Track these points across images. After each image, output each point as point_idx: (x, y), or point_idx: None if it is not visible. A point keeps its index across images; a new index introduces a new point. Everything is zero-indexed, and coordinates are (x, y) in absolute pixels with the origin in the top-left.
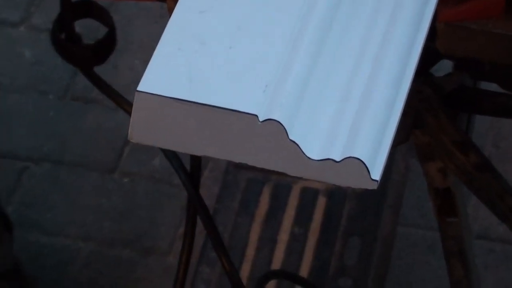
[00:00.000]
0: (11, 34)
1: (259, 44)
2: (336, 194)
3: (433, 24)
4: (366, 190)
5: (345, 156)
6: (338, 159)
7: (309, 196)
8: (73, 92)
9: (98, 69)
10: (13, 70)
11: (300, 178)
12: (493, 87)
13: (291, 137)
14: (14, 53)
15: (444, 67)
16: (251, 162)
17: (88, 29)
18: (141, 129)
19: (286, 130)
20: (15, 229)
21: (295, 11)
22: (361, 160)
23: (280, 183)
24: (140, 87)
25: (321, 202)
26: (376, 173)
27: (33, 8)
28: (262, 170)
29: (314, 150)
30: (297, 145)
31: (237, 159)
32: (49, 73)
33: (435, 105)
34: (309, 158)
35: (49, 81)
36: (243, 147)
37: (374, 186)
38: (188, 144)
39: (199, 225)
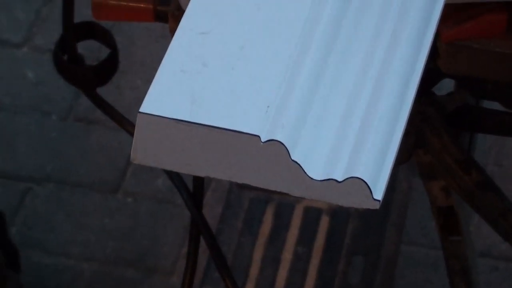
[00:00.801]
0: (13, 55)
1: (261, 65)
2: (339, 214)
3: (434, 43)
4: (369, 209)
5: (347, 176)
6: (340, 179)
7: (312, 215)
8: (75, 113)
9: (101, 89)
10: (16, 91)
11: (303, 198)
12: (495, 105)
13: (293, 158)
14: (16, 74)
15: (446, 86)
16: (253, 183)
17: (90, 50)
18: (143, 151)
19: (288, 151)
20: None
21: (297, 31)
22: (363, 180)
23: (283, 203)
24: (142, 109)
25: (325, 221)
26: (378, 193)
27: (36, 29)
28: (265, 189)
29: (316, 170)
30: (300, 165)
31: (240, 179)
32: (51, 94)
33: (437, 124)
34: (311, 178)
35: (51, 102)
36: (245, 168)
37: (376, 206)
38: (191, 165)
39: (203, 245)
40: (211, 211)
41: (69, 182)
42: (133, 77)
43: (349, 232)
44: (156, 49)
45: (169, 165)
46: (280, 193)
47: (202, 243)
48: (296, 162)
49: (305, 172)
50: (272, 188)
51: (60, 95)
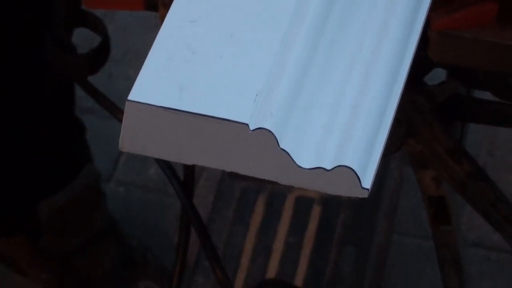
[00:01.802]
0: None
1: (250, 53)
2: (331, 203)
3: (425, 32)
4: (360, 198)
5: (336, 165)
6: (329, 168)
7: (304, 205)
8: None
9: (94, 79)
10: None
11: (295, 187)
12: (487, 95)
13: (282, 146)
14: None
15: (437, 76)
16: (242, 171)
17: (82, 39)
18: (131, 139)
19: (276, 139)
20: None
21: (286, 19)
22: (351, 169)
23: (275, 192)
24: (130, 97)
25: (316, 211)
26: (367, 182)
27: None
28: (256, 179)
29: (305, 158)
30: (288, 153)
31: (228, 168)
32: None
33: (428, 114)
34: (300, 166)
35: None
36: (234, 156)
37: (365, 195)
38: (179, 153)
39: (194, 235)
40: (203, 200)
41: None
42: (126, 66)
43: (341, 222)
44: (149, 38)
45: (157, 153)
46: (271, 182)
47: (193, 233)
48: (284, 151)
49: (294, 161)
50: (261, 176)
51: None
